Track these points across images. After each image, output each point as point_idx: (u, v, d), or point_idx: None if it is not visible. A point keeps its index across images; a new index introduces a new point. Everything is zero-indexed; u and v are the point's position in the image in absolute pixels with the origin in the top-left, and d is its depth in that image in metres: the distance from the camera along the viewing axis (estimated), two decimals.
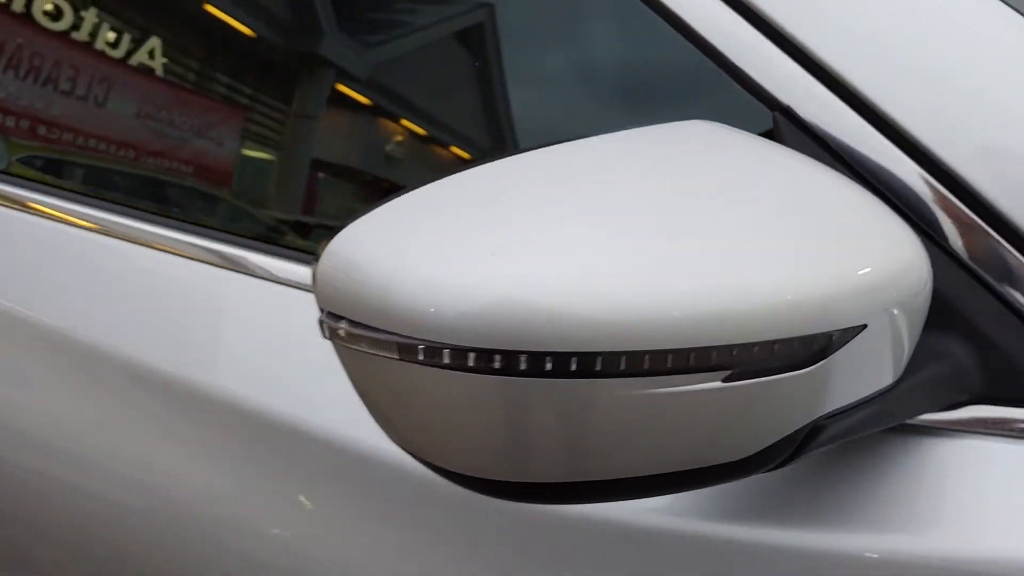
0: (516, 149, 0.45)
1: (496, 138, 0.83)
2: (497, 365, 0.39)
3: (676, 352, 0.40)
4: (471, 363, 0.39)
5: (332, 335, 0.42)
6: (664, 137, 0.47)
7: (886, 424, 0.51)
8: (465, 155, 0.87)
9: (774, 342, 0.41)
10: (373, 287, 0.40)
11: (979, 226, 0.52)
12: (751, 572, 0.55)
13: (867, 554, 0.53)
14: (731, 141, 0.47)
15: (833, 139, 0.54)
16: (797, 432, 0.45)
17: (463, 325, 0.39)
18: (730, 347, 0.40)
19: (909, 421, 0.53)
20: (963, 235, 0.52)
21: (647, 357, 0.39)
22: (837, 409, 0.46)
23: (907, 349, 0.48)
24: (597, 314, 0.38)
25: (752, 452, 0.44)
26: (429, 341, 0.39)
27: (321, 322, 0.42)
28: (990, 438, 0.52)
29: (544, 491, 0.44)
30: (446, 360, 0.39)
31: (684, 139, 0.47)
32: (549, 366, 0.39)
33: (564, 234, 0.40)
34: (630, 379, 0.40)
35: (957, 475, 0.52)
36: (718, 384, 0.41)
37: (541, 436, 0.41)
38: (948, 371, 0.52)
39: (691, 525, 0.56)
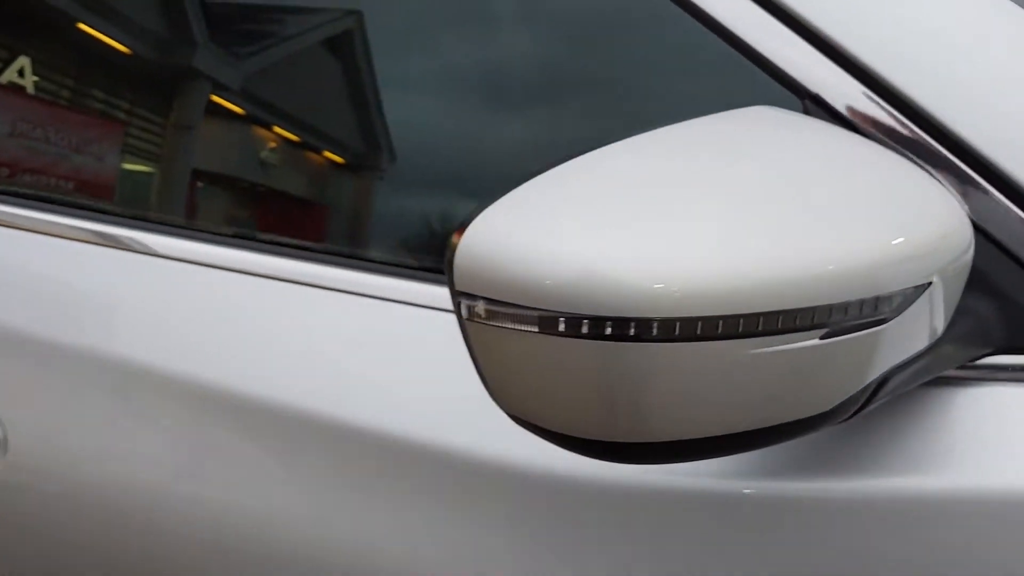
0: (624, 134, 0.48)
1: (371, 142, 0.89)
2: (632, 332, 0.42)
3: (786, 313, 0.44)
4: (607, 332, 0.42)
5: (470, 315, 0.44)
6: (742, 121, 0.51)
7: (931, 376, 0.56)
8: (339, 159, 0.93)
9: (862, 301, 0.46)
10: (516, 266, 0.43)
11: (996, 197, 0.58)
12: (803, 525, 0.60)
13: (904, 496, 0.58)
14: (800, 123, 0.52)
15: (859, 126, 0.60)
16: (869, 384, 0.50)
17: (599, 297, 0.42)
18: (828, 307, 0.45)
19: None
20: (984, 205, 0.58)
21: (761, 319, 0.44)
22: (901, 362, 0.51)
23: (954, 304, 0.53)
24: (722, 281, 0.42)
25: (833, 405, 0.49)
26: (568, 313, 0.42)
27: (458, 304, 0.45)
28: (1012, 384, 0.58)
29: (657, 451, 0.47)
30: (584, 330, 0.42)
31: (759, 122, 0.52)
32: (677, 332, 0.43)
33: (689, 211, 0.44)
34: (745, 340, 0.44)
35: (982, 420, 0.58)
36: (816, 341, 0.46)
37: (668, 397, 0.44)
38: (974, 325, 0.58)
39: (738, 486, 0.61)
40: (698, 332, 0.43)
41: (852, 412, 0.51)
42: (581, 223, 0.44)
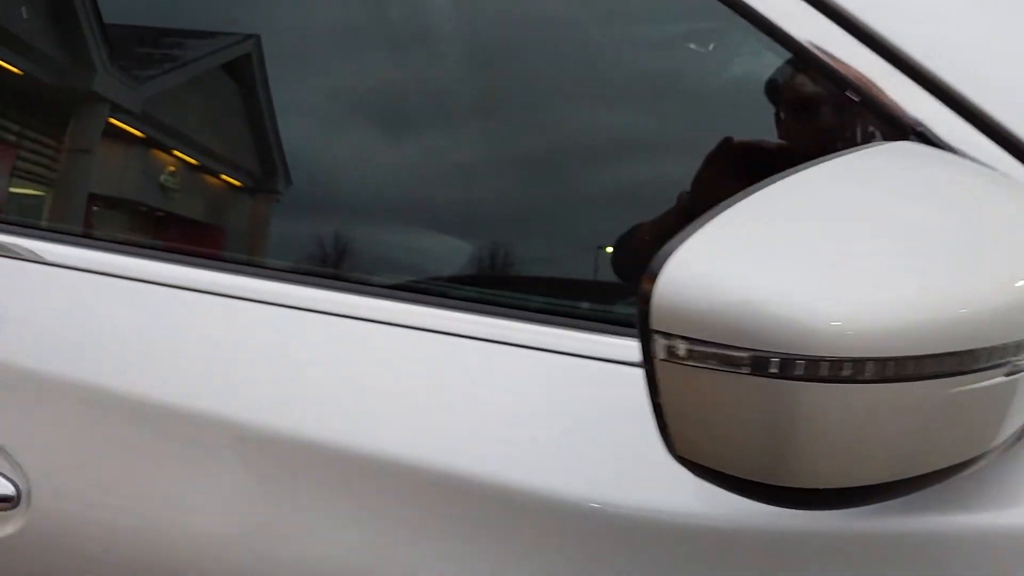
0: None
1: (267, 165, 0.91)
2: (846, 373, 0.41)
3: (983, 351, 0.43)
4: (823, 373, 0.41)
5: (668, 355, 0.42)
6: (894, 157, 0.51)
7: None
8: (236, 183, 0.96)
9: None
10: (727, 307, 0.41)
11: None
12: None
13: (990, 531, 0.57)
14: (945, 159, 0.53)
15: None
16: None
17: (818, 339, 0.41)
18: (1017, 344, 0.45)
19: None
20: None
21: (964, 357, 0.43)
22: None
23: None
24: (934, 322, 0.42)
25: (1001, 440, 0.49)
26: (783, 354, 0.41)
27: (652, 343, 0.43)
28: None
29: (837, 496, 0.46)
30: (799, 372, 0.41)
31: (911, 159, 0.51)
32: (891, 371, 0.42)
33: (891, 251, 0.43)
34: (949, 379, 0.43)
35: None
36: (1002, 379, 0.45)
37: (875, 439, 0.43)
38: None
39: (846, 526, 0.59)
40: (911, 371, 0.42)
41: (1009, 446, 0.51)
42: (782, 262, 0.43)
